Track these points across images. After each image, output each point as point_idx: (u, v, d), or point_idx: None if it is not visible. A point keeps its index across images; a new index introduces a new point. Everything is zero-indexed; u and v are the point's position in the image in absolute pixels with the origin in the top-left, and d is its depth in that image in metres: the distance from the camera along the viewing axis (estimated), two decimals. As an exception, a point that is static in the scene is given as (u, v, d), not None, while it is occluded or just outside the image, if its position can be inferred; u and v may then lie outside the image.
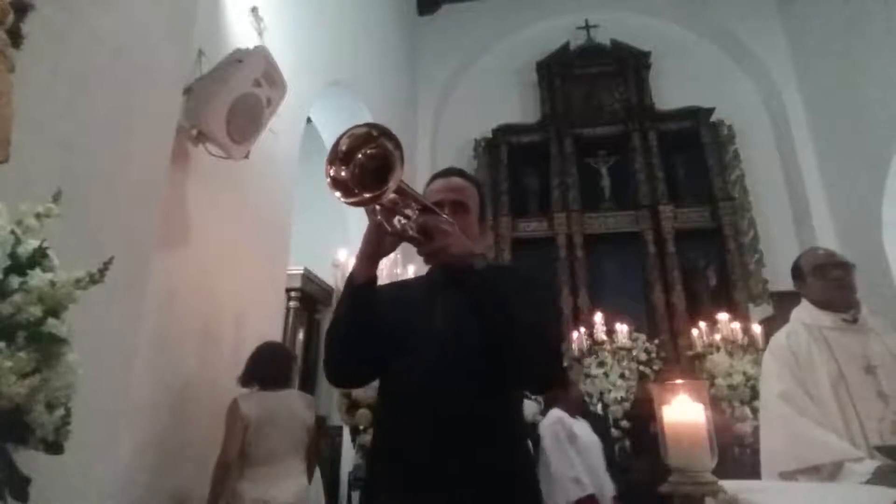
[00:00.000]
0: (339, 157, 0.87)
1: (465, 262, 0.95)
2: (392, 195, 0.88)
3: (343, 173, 0.87)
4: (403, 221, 0.96)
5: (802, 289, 1.74)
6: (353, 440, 2.71)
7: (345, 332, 1.05)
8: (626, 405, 3.82)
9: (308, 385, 4.54)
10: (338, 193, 0.85)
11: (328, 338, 1.12)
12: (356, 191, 0.85)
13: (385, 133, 0.87)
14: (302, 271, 4.53)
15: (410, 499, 0.95)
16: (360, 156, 0.87)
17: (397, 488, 0.96)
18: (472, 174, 1.26)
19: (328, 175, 0.87)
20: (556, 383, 1.07)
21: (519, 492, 0.99)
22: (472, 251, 0.98)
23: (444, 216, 1.00)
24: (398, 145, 0.85)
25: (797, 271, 1.76)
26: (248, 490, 1.79)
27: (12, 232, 0.68)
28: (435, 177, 1.21)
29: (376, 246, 1.00)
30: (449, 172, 1.21)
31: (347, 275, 1.06)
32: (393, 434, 1.03)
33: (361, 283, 1.02)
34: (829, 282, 1.66)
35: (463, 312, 0.99)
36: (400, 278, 2.46)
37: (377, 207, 0.93)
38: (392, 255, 2.93)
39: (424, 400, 0.99)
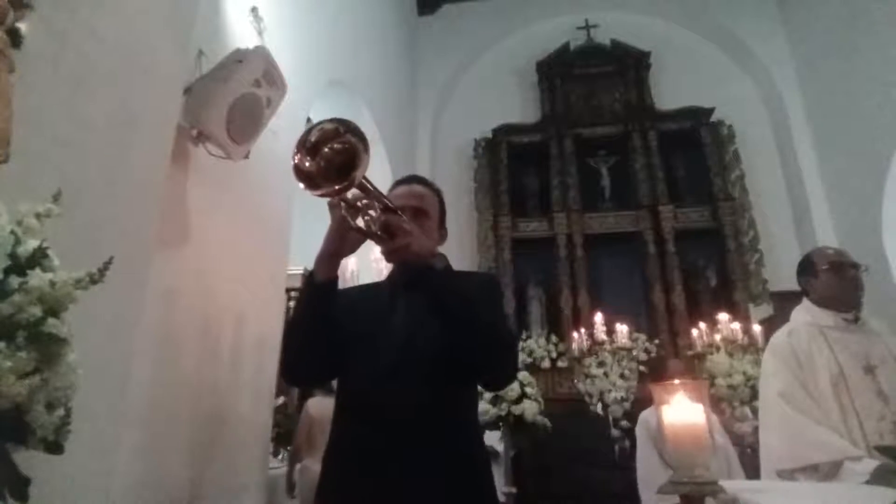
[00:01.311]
0: (306, 146, 0.88)
1: (425, 260, 0.96)
2: (357, 192, 0.89)
3: (308, 164, 0.88)
4: (366, 219, 0.97)
5: (810, 284, 1.73)
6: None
7: (303, 330, 1.06)
8: (627, 405, 3.82)
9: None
10: (302, 185, 0.86)
11: (286, 335, 1.12)
12: (321, 183, 0.86)
13: (352, 129, 0.87)
14: (302, 271, 4.52)
15: (371, 497, 0.95)
16: (326, 150, 0.88)
17: (356, 487, 0.97)
18: (457, 179, 1.27)
19: (293, 161, 0.88)
20: (511, 380, 1.11)
21: (476, 488, 1.01)
22: (432, 251, 1.01)
23: (406, 219, 1.01)
24: (365, 142, 0.85)
25: (809, 267, 1.74)
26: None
27: (12, 232, 0.68)
28: (397, 183, 1.22)
29: (339, 244, 1.01)
30: (411, 180, 1.23)
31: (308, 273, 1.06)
32: (353, 433, 1.04)
33: (321, 281, 1.02)
34: (844, 280, 1.65)
35: (421, 313, 1.00)
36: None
37: (342, 204, 0.94)
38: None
39: (384, 401, 1.00)
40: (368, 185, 0.90)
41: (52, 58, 1.07)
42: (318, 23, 3.05)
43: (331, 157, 0.88)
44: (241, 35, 2.09)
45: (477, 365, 1.01)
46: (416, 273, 0.98)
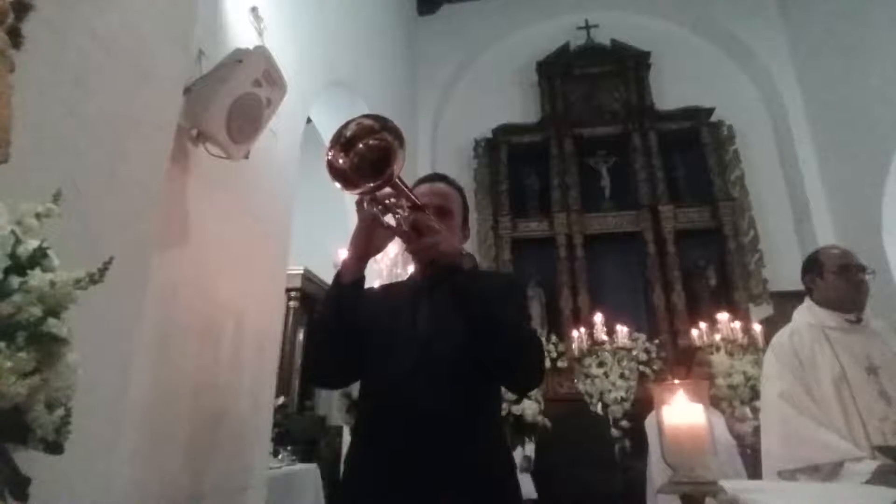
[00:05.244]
0: (341, 142, 0.89)
1: (453, 260, 0.96)
2: (388, 189, 0.89)
3: (341, 161, 0.88)
4: (396, 217, 0.97)
5: (815, 284, 1.72)
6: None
7: (328, 333, 1.06)
8: (626, 405, 3.82)
9: (308, 386, 4.54)
10: (337, 184, 0.87)
11: (310, 338, 1.12)
12: (357, 181, 0.86)
13: (388, 127, 0.88)
14: (302, 271, 4.53)
15: (391, 499, 0.95)
16: (360, 146, 0.88)
17: (378, 488, 0.97)
18: (457, 179, 1.27)
19: (328, 157, 0.88)
20: (538, 381, 1.07)
21: (497, 490, 1.00)
22: (460, 251, 1.00)
23: (433, 218, 1.01)
24: (401, 139, 0.86)
25: (815, 267, 1.73)
26: None
27: (12, 232, 0.68)
28: (420, 182, 1.22)
29: (366, 243, 1.01)
30: (434, 178, 1.23)
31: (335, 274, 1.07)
32: (372, 435, 1.04)
33: (349, 281, 1.02)
34: (851, 283, 1.64)
35: (444, 314, 1.00)
36: (400, 279, 2.45)
37: (372, 202, 0.94)
38: (392, 255, 2.92)
39: (404, 401, 1.00)
40: (400, 183, 0.91)
41: (52, 58, 1.07)
42: (318, 23, 3.05)
43: (364, 154, 0.89)
44: (241, 35, 2.09)
45: (502, 366, 1.00)
46: (443, 273, 0.98)
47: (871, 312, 1.67)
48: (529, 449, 3.67)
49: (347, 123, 0.91)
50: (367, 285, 1.12)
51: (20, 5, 0.93)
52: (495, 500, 0.99)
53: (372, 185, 0.85)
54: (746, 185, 5.44)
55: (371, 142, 0.89)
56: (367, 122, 0.90)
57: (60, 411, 0.68)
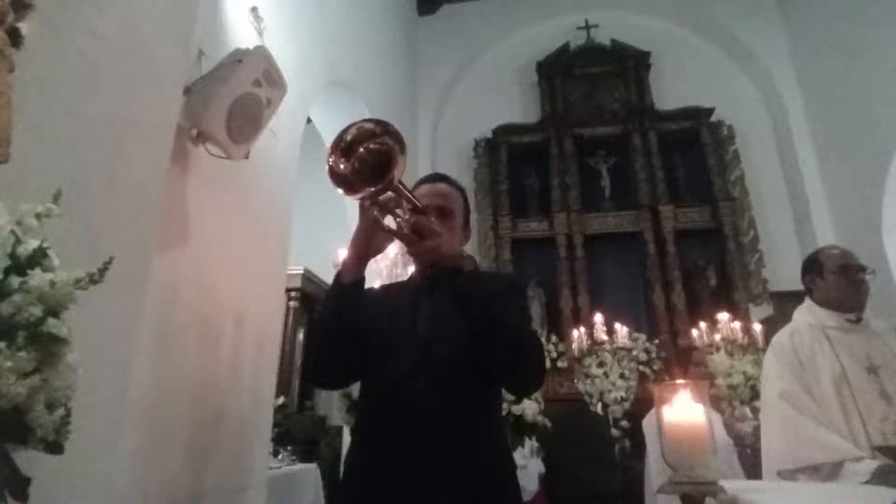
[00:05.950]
0: (341, 147, 0.89)
1: (454, 262, 0.96)
2: (389, 193, 0.89)
3: (342, 166, 0.88)
4: (397, 219, 0.97)
5: (815, 284, 1.72)
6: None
7: (328, 333, 1.06)
8: (626, 405, 3.82)
9: (308, 386, 4.54)
10: (340, 190, 0.87)
11: (310, 338, 1.13)
12: (358, 186, 0.86)
13: (389, 131, 0.88)
14: (302, 271, 4.53)
15: (391, 500, 0.95)
16: (361, 150, 0.88)
17: (378, 488, 0.97)
18: (457, 179, 1.27)
19: (328, 162, 0.88)
20: (538, 383, 1.07)
21: (497, 491, 1.00)
22: (461, 253, 1.00)
23: (433, 220, 1.01)
24: (402, 143, 0.86)
25: (815, 267, 1.73)
26: None
27: (12, 232, 0.68)
28: (421, 182, 1.22)
29: (367, 244, 1.01)
30: (435, 178, 1.23)
31: (335, 274, 1.07)
32: (373, 435, 1.04)
33: (349, 282, 1.02)
34: (851, 283, 1.64)
35: (444, 315, 1.00)
36: (400, 279, 2.45)
37: (373, 204, 0.94)
38: (392, 256, 2.92)
39: (404, 401, 1.00)
40: (401, 186, 0.91)
41: (52, 58, 1.07)
42: (318, 23, 3.05)
43: (364, 158, 0.89)
44: (241, 35, 2.09)
45: (503, 367, 1.00)
46: (443, 275, 0.98)
47: (872, 312, 1.67)
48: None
49: (348, 128, 0.90)
50: (367, 285, 1.12)
51: (20, 5, 0.93)
52: (495, 501, 0.99)
53: (373, 189, 0.85)
54: (746, 185, 5.44)
55: (372, 146, 0.89)
56: (368, 125, 0.90)
57: (60, 411, 0.68)
